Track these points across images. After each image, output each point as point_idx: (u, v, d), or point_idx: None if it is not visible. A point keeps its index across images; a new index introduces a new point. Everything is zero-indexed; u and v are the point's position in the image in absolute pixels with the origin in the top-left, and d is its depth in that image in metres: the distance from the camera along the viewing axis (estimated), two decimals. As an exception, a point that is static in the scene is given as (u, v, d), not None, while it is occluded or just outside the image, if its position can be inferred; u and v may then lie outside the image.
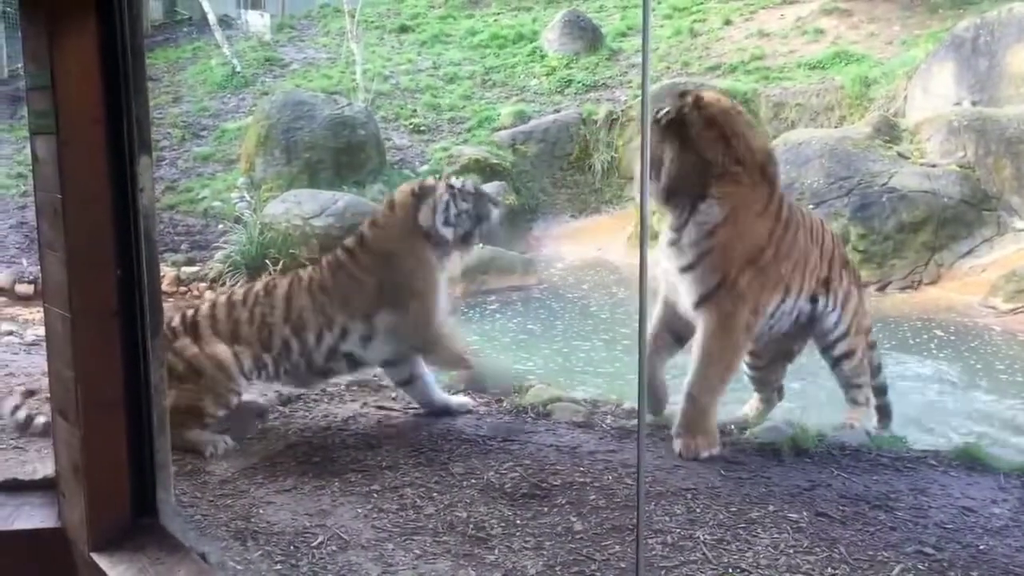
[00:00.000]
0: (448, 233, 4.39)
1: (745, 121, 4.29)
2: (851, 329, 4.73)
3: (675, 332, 4.45)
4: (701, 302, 4.07)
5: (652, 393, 4.48)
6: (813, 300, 4.54)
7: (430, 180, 4.55)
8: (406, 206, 4.41)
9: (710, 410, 4.07)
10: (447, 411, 4.58)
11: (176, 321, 4.37)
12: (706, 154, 4.05)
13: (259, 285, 4.52)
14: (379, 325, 4.33)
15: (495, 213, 4.57)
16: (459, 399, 4.71)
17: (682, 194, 4.11)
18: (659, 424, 4.41)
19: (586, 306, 10.40)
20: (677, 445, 4.03)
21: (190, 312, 4.44)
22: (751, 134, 4.25)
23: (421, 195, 4.40)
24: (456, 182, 4.51)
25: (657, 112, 4.12)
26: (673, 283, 4.28)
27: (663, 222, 4.34)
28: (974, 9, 15.36)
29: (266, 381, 4.43)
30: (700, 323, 4.10)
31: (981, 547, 3.16)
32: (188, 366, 4.13)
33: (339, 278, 4.36)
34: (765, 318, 4.25)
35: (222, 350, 4.19)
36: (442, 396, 4.64)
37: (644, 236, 1.76)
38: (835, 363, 4.79)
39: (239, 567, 2.98)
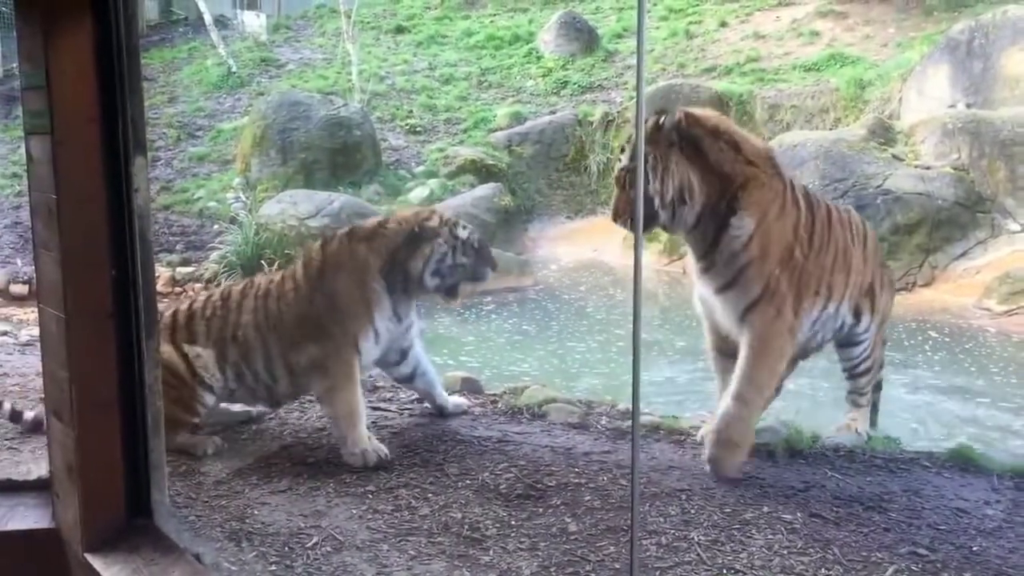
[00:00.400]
0: (433, 283, 4.09)
1: (735, 123, 4.20)
2: (879, 340, 4.56)
3: (728, 351, 4.14)
4: (744, 315, 3.83)
5: None
6: (857, 315, 4.33)
7: (434, 219, 4.14)
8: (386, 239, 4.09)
9: (751, 421, 3.85)
10: (442, 412, 4.54)
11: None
12: (725, 168, 3.80)
13: (218, 292, 4.38)
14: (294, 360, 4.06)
15: (488, 275, 4.23)
16: (456, 400, 4.65)
17: (708, 217, 3.84)
18: (653, 425, 4.42)
19: (582, 307, 10.41)
20: (710, 453, 3.81)
21: (167, 313, 4.33)
22: (746, 133, 4.13)
23: (419, 235, 4.05)
24: (463, 231, 4.13)
25: (661, 142, 3.79)
26: (711, 305, 4.05)
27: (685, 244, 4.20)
28: (969, 12, 15.40)
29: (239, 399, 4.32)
30: (744, 335, 3.85)
31: (974, 548, 3.17)
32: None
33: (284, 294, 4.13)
34: (808, 324, 4.03)
35: (175, 357, 4.05)
36: (443, 395, 4.56)
37: (638, 237, 1.76)
38: (854, 371, 4.61)
39: (234, 568, 2.97)
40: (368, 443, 3.91)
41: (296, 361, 4.03)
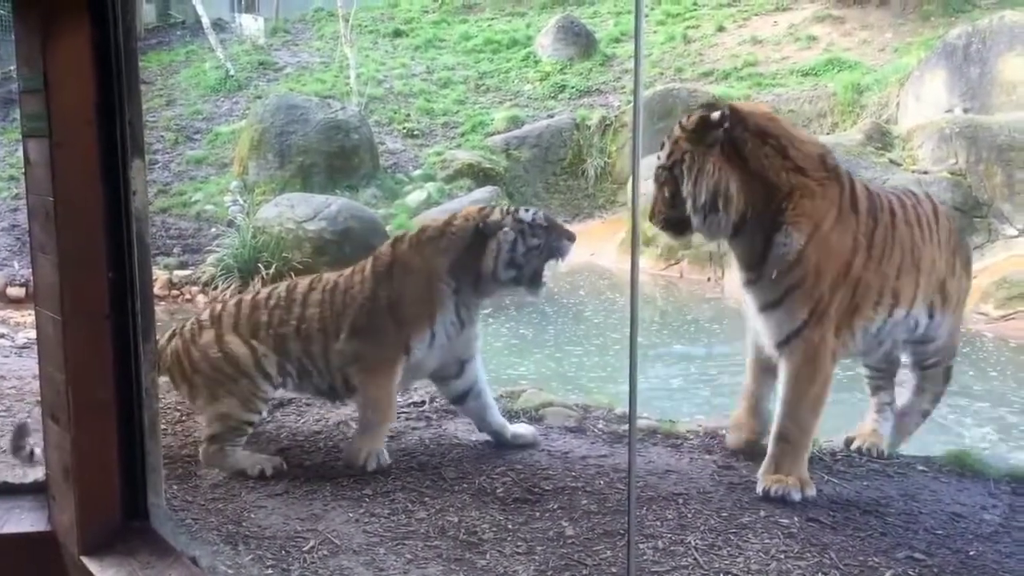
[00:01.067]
0: (509, 275, 3.87)
1: (787, 121, 3.79)
2: (955, 328, 4.16)
3: (766, 365, 3.93)
4: (787, 340, 3.56)
5: (757, 417, 4.06)
6: (931, 313, 3.92)
7: (495, 213, 3.95)
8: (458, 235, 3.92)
9: (802, 449, 3.60)
10: (501, 440, 4.15)
11: (204, 315, 4.15)
12: (769, 176, 3.49)
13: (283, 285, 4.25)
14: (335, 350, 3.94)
15: (568, 248, 3.96)
16: (519, 428, 4.23)
17: (751, 228, 3.56)
18: (650, 430, 4.42)
19: (579, 311, 10.42)
20: (765, 484, 3.56)
21: (231, 302, 4.18)
22: (798, 132, 3.73)
23: (483, 231, 3.86)
24: (526, 214, 3.91)
25: (699, 134, 3.54)
26: (753, 321, 3.81)
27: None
28: (966, 17, 15.47)
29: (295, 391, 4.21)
30: (786, 360, 3.59)
31: (971, 553, 3.17)
32: (211, 364, 3.92)
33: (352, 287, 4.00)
34: (866, 336, 3.73)
35: (239, 347, 3.93)
36: (500, 421, 4.18)
37: (635, 241, 1.77)
38: (924, 364, 4.20)
39: (230, 571, 2.97)
40: (379, 446, 3.87)
41: (342, 351, 3.91)
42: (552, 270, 4.00)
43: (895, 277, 3.69)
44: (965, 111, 12.74)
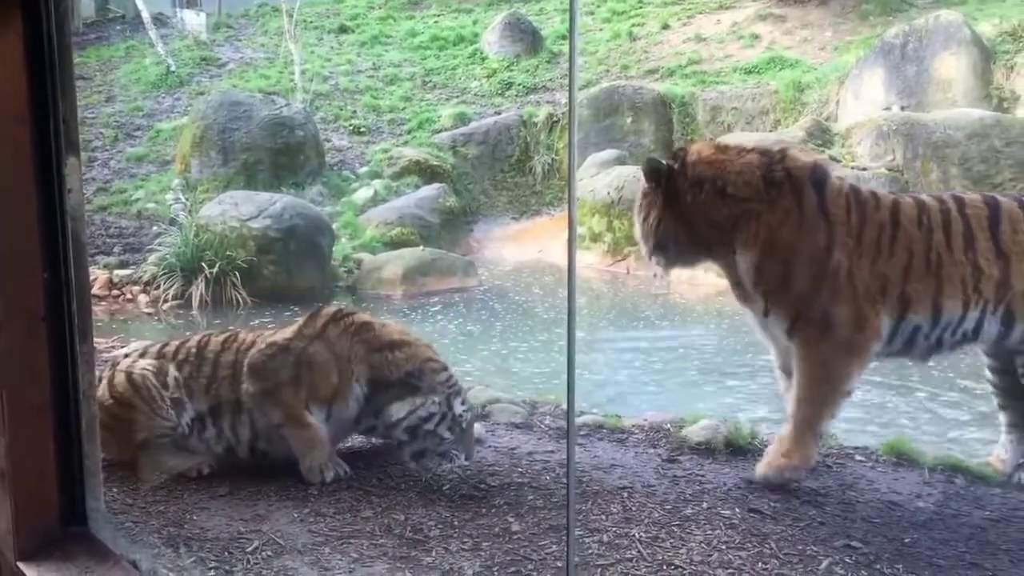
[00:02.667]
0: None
1: (731, 151, 3.87)
2: None
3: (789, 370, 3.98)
4: (789, 337, 3.74)
5: None
6: (1008, 322, 3.69)
7: (443, 374, 3.87)
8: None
9: (808, 437, 3.70)
10: None
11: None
12: (711, 215, 3.75)
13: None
14: None
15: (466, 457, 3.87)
16: None
17: (718, 254, 3.88)
18: (596, 424, 4.46)
19: (528, 308, 10.45)
20: (764, 468, 3.74)
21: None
22: (734, 163, 3.80)
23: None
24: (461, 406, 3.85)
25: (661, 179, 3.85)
26: (764, 328, 3.95)
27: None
28: (903, 16, 15.83)
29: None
30: (794, 359, 3.76)
31: (906, 540, 3.25)
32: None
33: None
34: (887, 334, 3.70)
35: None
36: None
37: (572, 236, 1.78)
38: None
39: (171, 574, 2.93)
40: (323, 459, 3.82)
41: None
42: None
43: (902, 278, 3.66)
44: (902, 108, 13.04)
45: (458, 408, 3.78)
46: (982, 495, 3.73)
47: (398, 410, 3.72)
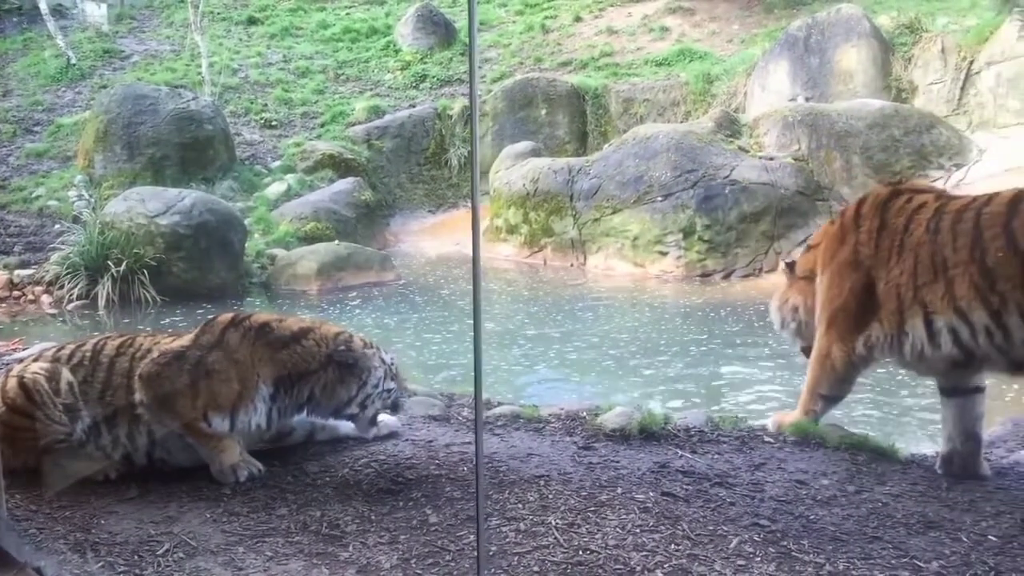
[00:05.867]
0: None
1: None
2: None
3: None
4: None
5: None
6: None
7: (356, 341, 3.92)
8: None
9: (806, 405, 4.38)
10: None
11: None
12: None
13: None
14: None
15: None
16: (383, 417, 4.17)
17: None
18: (513, 415, 4.49)
19: (446, 301, 10.45)
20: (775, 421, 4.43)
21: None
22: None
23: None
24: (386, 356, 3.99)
25: None
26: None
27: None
28: (806, 9, 16.27)
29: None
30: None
31: (811, 517, 3.36)
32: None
33: None
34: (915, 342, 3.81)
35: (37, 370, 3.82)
36: (332, 424, 4.15)
37: (476, 228, 1.79)
38: None
39: (79, 581, 2.85)
40: (234, 459, 3.75)
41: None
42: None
43: (910, 282, 3.82)
44: (807, 99, 13.43)
45: (386, 357, 3.95)
46: (883, 471, 3.88)
47: (346, 391, 3.81)
